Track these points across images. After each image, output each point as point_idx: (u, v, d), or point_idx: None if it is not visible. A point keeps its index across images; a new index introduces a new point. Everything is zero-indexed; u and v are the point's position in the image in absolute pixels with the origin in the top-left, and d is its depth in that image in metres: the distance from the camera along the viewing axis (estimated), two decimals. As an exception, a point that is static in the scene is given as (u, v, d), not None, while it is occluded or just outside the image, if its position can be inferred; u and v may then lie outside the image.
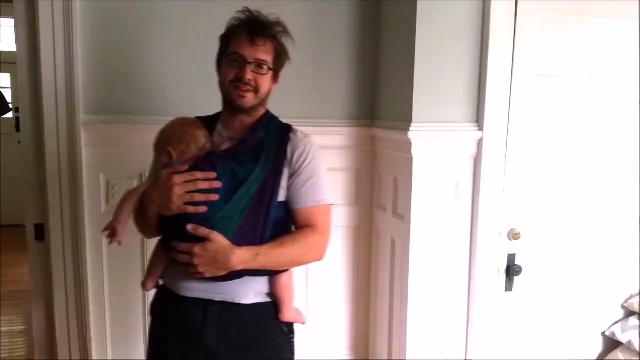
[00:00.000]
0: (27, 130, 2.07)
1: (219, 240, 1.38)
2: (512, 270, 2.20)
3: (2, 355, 3.21)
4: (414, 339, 2.17)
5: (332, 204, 1.56)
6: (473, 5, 2.04)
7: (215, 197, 1.40)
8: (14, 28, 2.04)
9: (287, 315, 1.56)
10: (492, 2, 2.01)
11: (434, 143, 2.06)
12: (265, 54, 1.47)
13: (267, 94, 1.54)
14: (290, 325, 1.60)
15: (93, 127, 2.07)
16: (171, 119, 2.11)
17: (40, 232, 2.10)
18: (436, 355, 2.20)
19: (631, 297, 2.45)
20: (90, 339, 2.16)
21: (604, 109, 2.27)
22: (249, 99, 1.48)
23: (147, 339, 1.63)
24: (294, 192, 1.50)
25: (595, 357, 2.49)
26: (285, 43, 1.54)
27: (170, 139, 1.47)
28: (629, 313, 2.45)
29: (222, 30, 2.18)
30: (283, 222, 1.52)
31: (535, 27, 2.11)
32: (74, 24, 1.97)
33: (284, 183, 1.50)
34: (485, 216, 2.13)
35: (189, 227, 1.38)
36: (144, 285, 1.59)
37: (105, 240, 2.12)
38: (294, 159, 1.50)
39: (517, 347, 2.32)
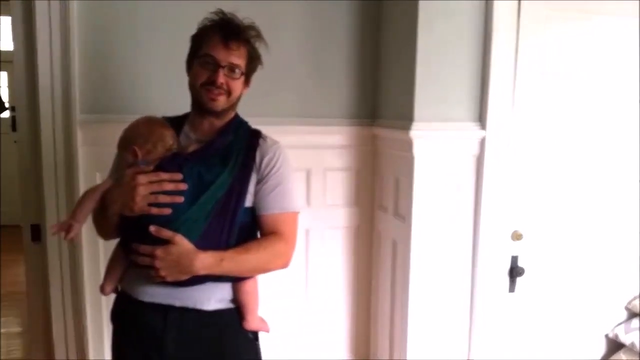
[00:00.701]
0: (23, 130, 2.06)
1: (183, 243, 1.35)
2: (515, 271, 2.19)
3: (-1, 357, 3.19)
4: (415, 341, 2.15)
5: (298, 212, 1.54)
6: (476, 5, 2.02)
7: (180, 199, 1.37)
8: (10, 27, 2.03)
9: (251, 324, 1.52)
10: (495, 1, 2.00)
11: (435, 142, 2.04)
12: (238, 58, 1.45)
13: (238, 98, 1.51)
14: (255, 333, 1.57)
15: (89, 127, 2.05)
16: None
17: (37, 233, 2.09)
18: (438, 356, 2.18)
19: (634, 298, 2.44)
20: (87, 340, 2.14)
21: (608, 107, 2.26)
22: (220, 102, 1.45)
23: (110, 345, 1.59)
24: (260, 198, 1.48)
25: (599, 359, 2.48)
26: (258, 47, 1.52)
27: (136, 137, 1.43)
28: (632, 314, 2.44)
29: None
30: (249, 228, 1.49)
31: (539, 26, 2.09)
32: (70, 23, 1.97)
33: (251, 188, 1.47)
34: (488, 217, 2.12)
35: (152, 228, 1.35)
36: (102, 289, 1.55)
37: (101, 241, 2.10)
38: (263, 165, 1.48)
39: (520, 349, 2.31)
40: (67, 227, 1.39)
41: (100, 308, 2.16)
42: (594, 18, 2.17)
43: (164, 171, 1.39)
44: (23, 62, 2.02)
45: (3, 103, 4.57)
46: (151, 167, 1.39)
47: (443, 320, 2.18)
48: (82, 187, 2.05)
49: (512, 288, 2.22)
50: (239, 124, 1.55)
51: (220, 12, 1.48)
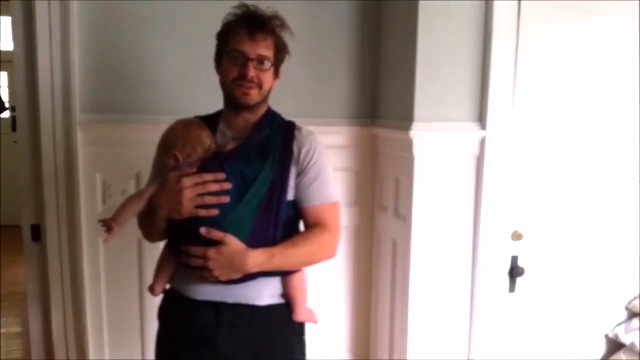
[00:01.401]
0: (23, 130, 2.06)
1: (233, 243, 1.36)
2: (515, 271, 2.19)
3: (-1, 357, 3.20)
4: (415, 341, 2.15)
5: (339, 201, 1.55)
6: (476, 5, 2.02)
7: (226, 198, 1.37)
8: (10, 26, 2.03)
9: (300, 315, 1.54)
10: (495, 1, 2.00)
11: (436, 142, 2.04)
12: (266, 49, 1.44)
13: (270, 90, 1.51)
14: (302, 326, 1.59)
15: (89, 127, 2.05)
16: (168, 118, 2.10)
17: (37, 232, 2.09)
18: (438, 356, 2.18)
19: (634, 298, 2.44)
20: (87, 340, 2.14)
21: (608, 106, 2.26)
22: (253, 95, 1.45)
23: (155, 344, 1.59)
24: (302, 190, 1.49)
25: (598, 359, 2.48)
26: (284, 37, 1.51)
27: (174, 141, 1.43)
28: (632, 314, 2.44)
29: (216, 28, 2.17)
30: (292, 221, 1.50)
31: (539, 25, 2.09)
32: (70, 23, 1.96)
33: (291, 181, 1.48)
34: (488, 217, 2.12)
35: (202, 230, 1.36)
36: (152, 290, 1.57)
37: (101, 242, 2.12)
38: (301, 157, 1.48)
39: (520, 349, 2.31)
40: (108, 226, 1.39)
41: (100, 308, 2.17)
42: (593, 18, 2.17)
43: (207, 172, 1.39)
44: (23, 62, 2.01)
45: (3, 103, 4.57)
46: (194, 169, 1.39)
47: (443, 320, 2.18)
48: (82, 187, 2.06)
49: (512, 288, 2.22)
50: (272, 116, 1.54)
51: (243, 5, 1.47)
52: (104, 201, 2.11)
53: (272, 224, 1.43)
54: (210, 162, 1.41)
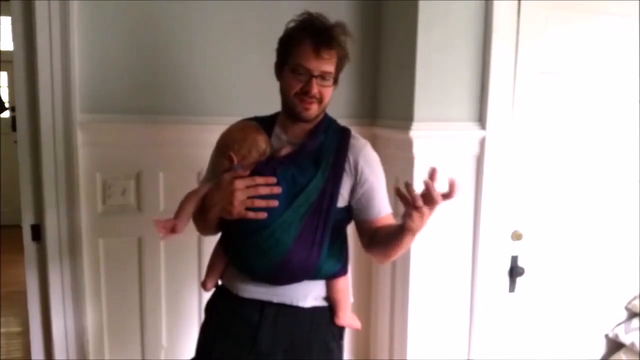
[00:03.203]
0: (23, 130, 2.05)
1: None
2: (515, 271, 2.20)
3: (-1, 357, 3.20)
4: (415, 341, 2.15)
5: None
6: (476, 4, 2.03)
7: (275, 203, 1.39)
8: (10, 26, 2.02)
9: (342, 319, 1.56)
10: (495, 1, 2.00)
11: (435, 142, 2.05)
12: (330, 65, 1.42)
13: (329, 101, 1.50)
14: (341, 331, 1.60)
15: (89, 127, 2.05)
16: (168, 118, 2.12)
17: (37, 232, 2.08)
18: (438, 356, 2.19)
19: (635, 298, 2.44)
20: (87, 340, 2.15)
21: (608, 106, 2.27)
22: (314, 110, 1.45)
23: (198, 335, 1.63)
24: (366, 201, 1.49)
25: (598, 359, 2.48)
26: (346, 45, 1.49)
27: (232, 143, 1.45)
28: (633, 314, 2.45)
29: (219, 29, 2.17)
30: (340, 227, 1.52)
31: (538, 25, 2.10)
32: (70, 22, 1.96)
33: (344, 190, 1.48)
34: (488, 217, 2.12)
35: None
36: (204, 286, 1.60)
37: (101, 241, 2.12)
38: (359, 168, 1.48)
39: (520, 349, 2.32)
40: (171, 226, 1.42)
41: (101, 308, 2.17)
42: (593, 18, 2.18)
43: (260, 175, 1.40)
44: (23, 62, 2.00)
45: (3, 103, 4.56)
46: (247, 172, 1.41)
47: (443, 320, 2.18)
48: (82, 187, 2.06)
49: (512, 288, 2.22)
50: (328, 123, 1.55)
51: (307, 14, 1.45)
52: (104, 201, 2.11)
53: (320, 230, 1.43)
54: (264, 166, 1.43)
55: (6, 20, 4.79)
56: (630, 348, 2.35)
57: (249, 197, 1.38)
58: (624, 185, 2.35)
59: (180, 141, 2.12)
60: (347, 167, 1.48)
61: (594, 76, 2.22)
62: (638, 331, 2.34)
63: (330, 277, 1.51)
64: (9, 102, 5.53)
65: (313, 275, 1.46)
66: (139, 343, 2.23)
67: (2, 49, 4.78)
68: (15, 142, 2.16)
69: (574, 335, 2.41)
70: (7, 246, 4.51)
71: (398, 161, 2.17)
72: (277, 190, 1.39)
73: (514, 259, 2.20)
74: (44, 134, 1.99)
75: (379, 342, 2.45)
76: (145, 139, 2.12)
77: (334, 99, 2.32)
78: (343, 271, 1.54)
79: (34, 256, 2.11)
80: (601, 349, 2.48)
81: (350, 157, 1.49)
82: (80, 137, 2.03)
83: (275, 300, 1.48)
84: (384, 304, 2.36)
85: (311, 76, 1.41)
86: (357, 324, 1.62)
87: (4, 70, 5.79)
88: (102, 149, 2.09)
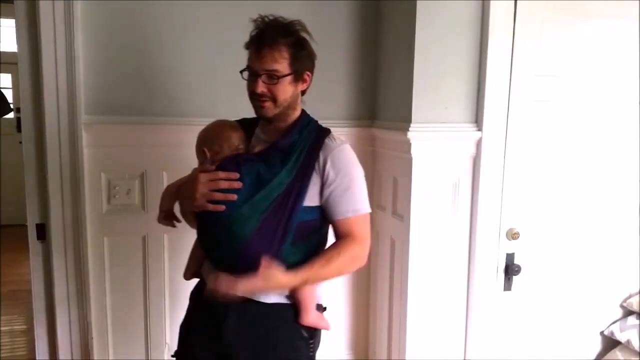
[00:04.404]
0: (28, 131, 2.07)
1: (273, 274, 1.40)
2: (511, 269, 2.21)
3: (3, 355, 3.21)
4: (413, 339, 2.17)
5: (369, 212, 1.55)
6: (472, 6, 2.04)
7: (233, 196, 1.43)
8: (15, 28, 2.04)
9: (305, 320, 1.55)
10: (492, 2, 2.02)
11: (433, 143, 2.07)
12: (273, 63, 1.44)
13: (292, 98, 1.52)
14: (310, 331, 1.58)
15: (94, 128, 2.07)
16: (172, 119, 2.14)
17: (42, 231, 2.10)
18: (435, 354, 2.21)
19: (630, 296, 2.45)
20: (92, 338, 2.17)
21: (603, 108, 2.27)
22: (268, 108, 1.48)
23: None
24: (331, 203, 1.49)
25: (594, 357, 2.49)
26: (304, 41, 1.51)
27: (206, 139, 1.54)
28: (628, 312, 2.45)
29: (219, 30, 2.18)
30: (313, 226, 1.52)
31: (535, 27, 2.11)
32: (75, 24, 1.98)
33: (313, 188, 1.49)
34: (485, 216, 2.14)
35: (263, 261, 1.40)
36: (184, 275, 1.68)
37: (106, 240, 2.14)
38: (327, 167, 1.48)
39: (516, 347, 2.33)
40: (166, 218, 1.59)
41: (105, 307, 2.19)
42: (589, 20, 2.18)
43: (223, 170, 1.45)
44: (27, 64, 2.02)
45: (8, 104, 4.58)
46: (214, 167, 1.46)
47: (440, 318, 2.20)
48: (87, 187, 2.08)
49: (508, 286, 2.23)
50: (306, 123, 1.56)
51: (259, 19, 1.49)
52: (108, 200, 2.14)
53: (282, 228, 1.44)
54: (229, 162, 1.47)
55: (7, 22, 4.80)
56: (626, 346, 2.36)
57: (211, 190, 1.43)
58: (619, 185, 2.36)
59: (183, 142, 2.11)
60: (316, 166, 1.49)
61: (590, 78, 2.23)
62: (633, 329, 2.36)
63: None
64: (14, 103, 5.55)
65: None
66: (142, 340, 2.25)
67: (6, 51, 4.80)
68: (20, 142, 2.18)
69: (569, 333, 2.41)
70: (10, 245, 4.54)
71: (396, 162, 2.20)
72: (237, 185, 1.43)
73: (510, 258, 2.21)
74: (49, 135, 2.01)
75: (377, 341, 2.46)
76: (150, 140, 2.14)
77: (334, 101, 2.38)
78: None
79: (39, 255, 2.13)
80: (597, 346, 2.48)
81: (321, 157, 1.49)
82: (85, 138, 2.05)
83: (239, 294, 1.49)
84: (383, 303, 2.38)
85: (257, 76, 1.46)
86: (325, 324, 1.60)
87: (7, 72, 5.81)
88: (107, 149, 2.12)
